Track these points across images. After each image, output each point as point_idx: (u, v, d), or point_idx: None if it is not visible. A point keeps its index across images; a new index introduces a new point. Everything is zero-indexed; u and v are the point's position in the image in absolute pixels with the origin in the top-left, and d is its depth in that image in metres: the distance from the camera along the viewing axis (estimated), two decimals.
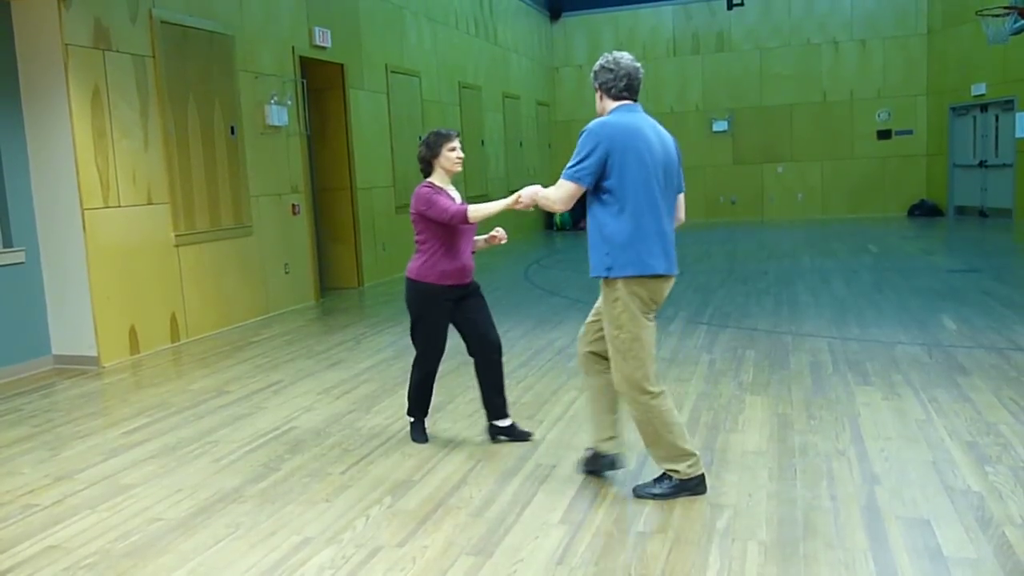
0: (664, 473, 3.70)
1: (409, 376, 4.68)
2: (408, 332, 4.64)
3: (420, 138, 4.41)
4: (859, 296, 8.47)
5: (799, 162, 18.42)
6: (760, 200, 18.73)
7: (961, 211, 16.79)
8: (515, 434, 4.57)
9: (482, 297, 4.57)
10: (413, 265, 4.42)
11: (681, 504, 3.61)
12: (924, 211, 17.30)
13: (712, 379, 5.61)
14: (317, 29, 9.82)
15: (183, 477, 4.24)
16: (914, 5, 17.47)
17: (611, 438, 3.89)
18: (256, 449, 4.62)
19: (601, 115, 3.74)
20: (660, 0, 18.79)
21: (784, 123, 18.34)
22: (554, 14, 19.58)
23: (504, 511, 3.63)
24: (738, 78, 18.46)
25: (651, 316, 3.66)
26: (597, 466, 3.94)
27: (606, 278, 3.63)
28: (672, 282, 3.70)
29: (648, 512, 3.56)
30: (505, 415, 4.57)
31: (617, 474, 3.98)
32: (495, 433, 4.59)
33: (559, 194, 3.66)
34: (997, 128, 15.61)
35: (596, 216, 3.68)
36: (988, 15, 13.30)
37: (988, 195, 15.99)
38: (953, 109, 16.65)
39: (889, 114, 17.79)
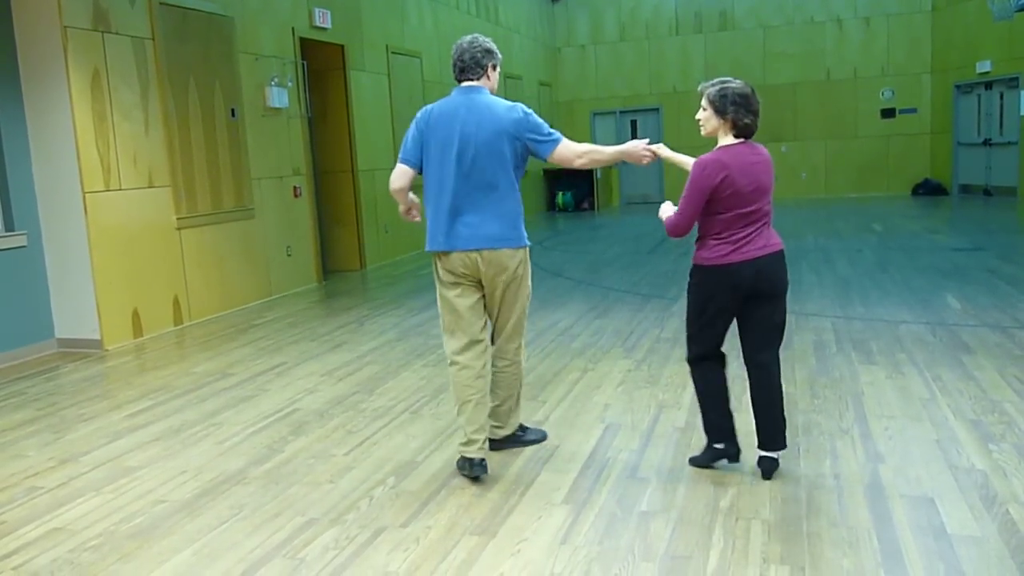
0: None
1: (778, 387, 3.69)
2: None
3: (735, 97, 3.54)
4: (863, 275, 8.45)
5: (802, 141, 18.33)
6: None
7: (965, 190, 16.72)
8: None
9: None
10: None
11: (684, 483, 3.61)
12: (928, 190, 17.23)
13: None
14: (317, 10, 9.76)
15: (187, 459, 4.25)
16: None
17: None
18: (259, 431, 4.63)
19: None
20: None
21: (787, 102, 18.24)
22: None
23: (508, 491, 3.63)
24: (741, 57, 18.33)
25: (451, 286, 3.79)
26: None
27: None
28: (457, 256, 3.71)
29: (651, 491, 3.56)
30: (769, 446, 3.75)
31: (620, 455, 3.98)
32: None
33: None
34: (1002, 106, 15.52)
35: None
36: None
37: (992, 173, 15.92)
38: (958, 87, 16.54)
39: (893, 92, 17.69)
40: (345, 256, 10.80)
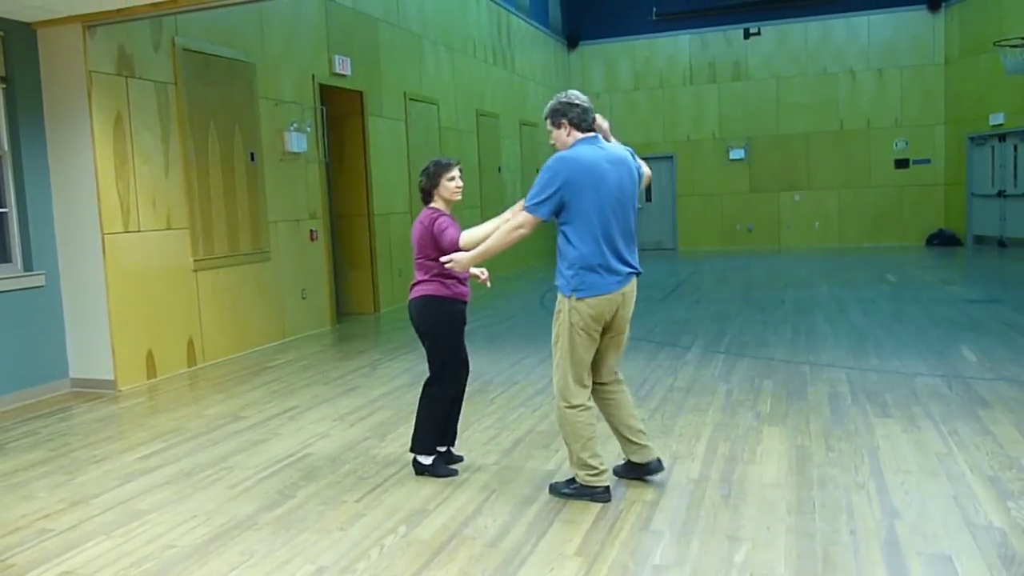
0: (573, 475, 4.10)
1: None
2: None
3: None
4: (878, 326, 8.41)
5: (816, 190, 18.38)
6: (777, 228, 18.69)
7: (980, 240, 16.68)
8: (451, 459, 4.68)
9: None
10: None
11: (698, 537, 3.57)
12: (942, 240, 17.20)
13: (729, 409, 5.57)
14: (337, 57, 9.92)
15: (198, 503, 4.24)
16: (931, 35, 17.49)
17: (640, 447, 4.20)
18: (271, 476, 4.62)
19: (564, 148, 3.99)
20: (677, 29, 18.90)
21: (801, 151, 18.33)
22: (571, 43, 19.72)
23: (519, 542, 3.60)
24: (755, 106, 18.49)
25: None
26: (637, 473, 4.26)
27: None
28: (617, 299, 3.96)
29: (665, 545, 3.52)
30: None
31: (633, 506, 3.95)
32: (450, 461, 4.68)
33: (519, 221, 3.94)
34: (1016, 158, 15.55)
35: (560, 242, 4.02)
36: (1006, 45, 13.30)
37: (1007, 224, 15.89)
38: (971, 139, 16.60)
39: (907, 143, 17.75)
40: (359, 299, 10.84)
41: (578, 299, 3.90)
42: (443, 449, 4.62)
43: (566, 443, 4.09)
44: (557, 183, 3.85)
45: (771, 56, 18.43)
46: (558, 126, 4.01)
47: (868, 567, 3.24)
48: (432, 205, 4.46)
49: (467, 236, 4.23)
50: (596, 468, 4.01)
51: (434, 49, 12.59)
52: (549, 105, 4.05)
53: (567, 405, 4.00)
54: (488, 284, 4.47)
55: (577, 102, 3.98)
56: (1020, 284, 11.27)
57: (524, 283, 13.08)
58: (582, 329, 3.94)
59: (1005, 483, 4.05)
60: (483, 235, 4.16)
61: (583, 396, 4.03)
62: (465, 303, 4.48)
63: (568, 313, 3.94)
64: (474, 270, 4.39)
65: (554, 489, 4.14)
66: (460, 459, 4.69)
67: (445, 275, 4.35)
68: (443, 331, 4.42)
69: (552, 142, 4.09)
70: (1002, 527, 3.55)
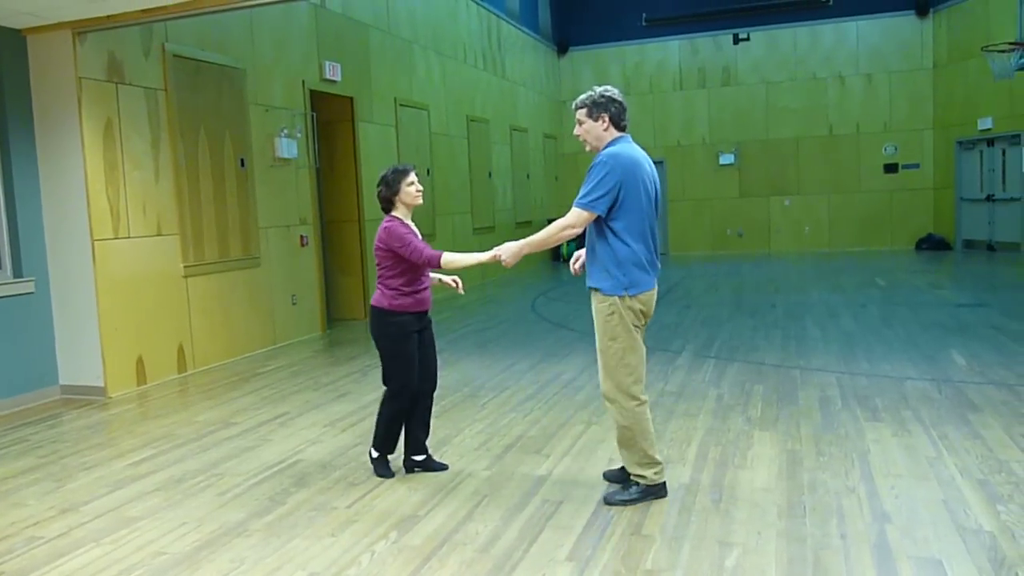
0: (632, 480, 4.07)
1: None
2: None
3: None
4: (867, 330, 8.44)
5: (806, 195, 18.45)
6: (767, 233, 18.75)
7: (969, 245, 16.77)
8: (431, 466, 4.66)
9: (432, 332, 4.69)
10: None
11: (690, 542, 3.58)
12: (931, 245, 17.28)
13: (720, 414, 5.58)
14: (327, 63, 9.92)
15: (188, 510, 4.23)
16: (919, 40, 17.60)
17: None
18: (262, 482, 4.61)
19: (598, 142, 4.00)
20: (666, 34, 18.96)
21: (790, 156, 18.41)
22: (561, 48, 19.77)
23: (511, 547, 3.60)
24: (744, 111, 18.56)
25: (642, 328, 4.07)
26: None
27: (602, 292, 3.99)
28: (654, 292, 4.07)
29: (656, 549, 3.52)
30: (425, 450, 4.69)
31: (624, 511, 3.96)
32: (411, 466, 4.66)
33: (571, 221, 3.93)
34: (1004, 162, 15.65)
35: (608, 240, 3.94)
36: (994, 50, 13.36)
37: (996, 229, 15.99)
38: (960, 143, 16.69)
39: (896, 148, 17.84)
40: (350, 305, 10.82)
41: (631, 296, 3.93)
42: (421, 457, 4.64)
43: (628, 447, 4.02)
44: (614, 179, 3.85)
45: (760, 61, 18.51)
46: (596, 119, 3.99)
47: (858, 571, 3.25)
48: (393, 213, 4.50)
49: (450, 260, 4.28)
50: (660, 463, 4.05)
51: (424, 55, 12.60)
52: (588, 97, 4.01)
53: (637, 403, 3.98)
54: (462, 291, 4.47)
55: (619, 99, 4.01)
56: (1008, 288, 11.33)
57: (515, 288, 13.08)
58: (635, 325, 3.97)
59: (995, 487, 4.07)
60: (468, 263, 4.28)
61: (643, 391, 4.05)
62: (414, 314, 4.46)
63: (623, 313, 3.94)
64: (446, 278, 4.53)
65: (612, 500, 4.04)
66: (444, 467, 4.67)
67: (388, 286, 4.42)
68: (384, 341, 4.50)
69: (578, 133, 4.08)
70: (992, 531, 3.57)
